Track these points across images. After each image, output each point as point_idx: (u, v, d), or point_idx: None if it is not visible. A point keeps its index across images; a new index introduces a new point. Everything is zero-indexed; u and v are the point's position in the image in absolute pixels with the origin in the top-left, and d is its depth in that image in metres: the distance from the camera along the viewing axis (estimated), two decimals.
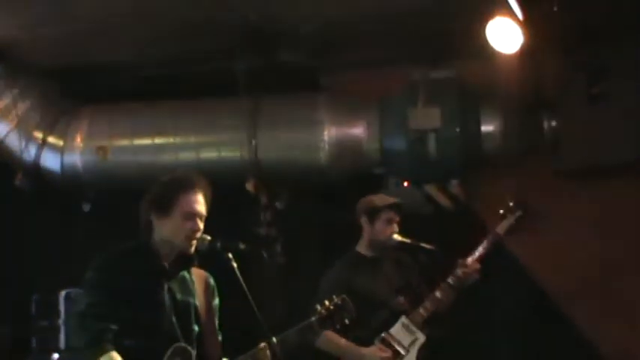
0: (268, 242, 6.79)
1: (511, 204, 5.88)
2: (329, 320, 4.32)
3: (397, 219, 5.68)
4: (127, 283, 3.97)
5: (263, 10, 6.25)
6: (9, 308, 6.92)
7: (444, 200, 6.84)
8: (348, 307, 4.34)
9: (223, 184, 6.82)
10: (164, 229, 4.08)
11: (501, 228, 5.85)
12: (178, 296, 4.11)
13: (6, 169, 7.12)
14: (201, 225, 4.10)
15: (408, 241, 5.66)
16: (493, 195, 6.84)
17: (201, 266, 4.28)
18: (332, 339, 5.40)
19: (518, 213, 5.87)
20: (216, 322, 4.30)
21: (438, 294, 5.58)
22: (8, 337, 6.95)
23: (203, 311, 4.20)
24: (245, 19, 6.31)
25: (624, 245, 6.56)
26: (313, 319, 4.30)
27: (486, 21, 5.83)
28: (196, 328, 4.17)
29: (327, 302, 4.34)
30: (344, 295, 4.38)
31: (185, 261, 4.18)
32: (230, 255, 4.11)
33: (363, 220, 5.72)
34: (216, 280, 4.32)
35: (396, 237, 5.66)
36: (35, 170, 7.13)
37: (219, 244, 4.14)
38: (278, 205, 7.00)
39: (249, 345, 4.18)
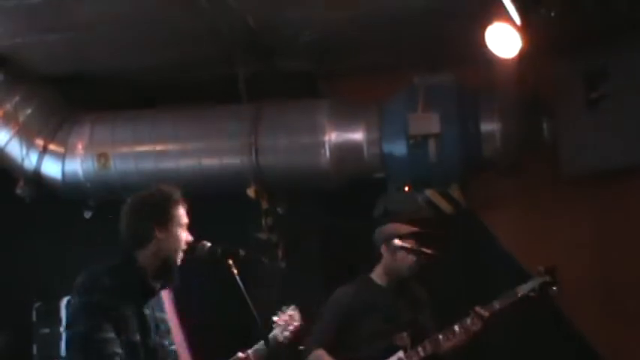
0: (269, 248, 6.81)
1: (540, 268, 5.56)
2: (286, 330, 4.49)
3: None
4: (118, 303, 3.82)
5: (263, 17, 6.28)
6: (10, 316, 6.93)
7: (444, 205, 6.85)
8: (297, 318, 4.52)
9: (224, 190, 6.94)
10: (163, 241, 3.98)
11: (521, 289, 5.54)
12: (157, 315, 4.03)
13: (7, 177, 7.13)
14: None
15: (407, 245, 5.66)
16: (493, 199, 6.88)
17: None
18: (321, 358, 5.45)
19: (546, 278, 5.52)
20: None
21: (440, 337, 5.48)
22: (10, 345, 6.95)
23: (174, 327, 4.19)
24: (245, 26, 6.32)
25: (624, 249, 6.57)
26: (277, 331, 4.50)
27: (485, 26, 5.85)
28: (173, 346, 4.09)
29: (280, 313, 4.54)
30: (294, 305, 4.52)
31: (167, 277, 4.05)
32: (230, 261, 4.13)
33: (383, 248, 5.67)
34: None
35: (396, 242, 5.66)
36: (36, 178, 7.13)
37: (219, 250, 4.14)
38: (279, 210, 7.02)
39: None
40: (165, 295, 4.18)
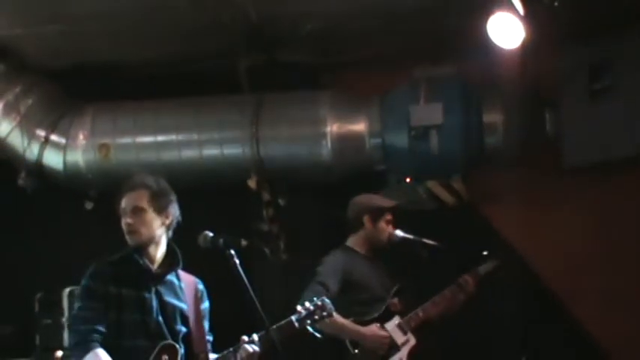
0: (271, 239, 6.81)
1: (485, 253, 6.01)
2: (308, 319, 4.43)
3: (393, 220, 5.81)
4: (115, 288, 4.19)
5: (265, 9, 6.27)
6: (13, 306, 6.93)
7: (446, 196, 6.85)
8: (328, 308, 4.48)
9: (226, 181, 6.93)
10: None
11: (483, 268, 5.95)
12: (166, 299, 4.28)
13: (9, 167, 7.13)
14: (135, 219, 4.28)
15: (410, 236, 5.70)
16: (495, 191, 6.87)
17: (187, 270, 4.43)
18: (337, 320, 5.47)
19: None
20: (206, 324, 4.42)
21: (432, 303, 5.65)
22: (12, 335, 6.96)
23: (192, 314, 4.35)
24: (247, 17, 6.32)
25: (626, 241, 6.57)
26: (293, 318, 4.40)
27: (487, 16, 5.83)
28: (183, 329, 4.31)
29: (307, 303, 4.47)
30: (324, 297, 4.54)
31: (170, 263, 4.34)
32: (232, 251, 4.15)
33: (366, 219, 5.75)
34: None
35: (399, 233, 5.70)
36: (38, 168, 7.13)
37: (221, 241, 4.20)
38: (280, 201, 7.02)
39: None
40: (188, 285, 4.38)
